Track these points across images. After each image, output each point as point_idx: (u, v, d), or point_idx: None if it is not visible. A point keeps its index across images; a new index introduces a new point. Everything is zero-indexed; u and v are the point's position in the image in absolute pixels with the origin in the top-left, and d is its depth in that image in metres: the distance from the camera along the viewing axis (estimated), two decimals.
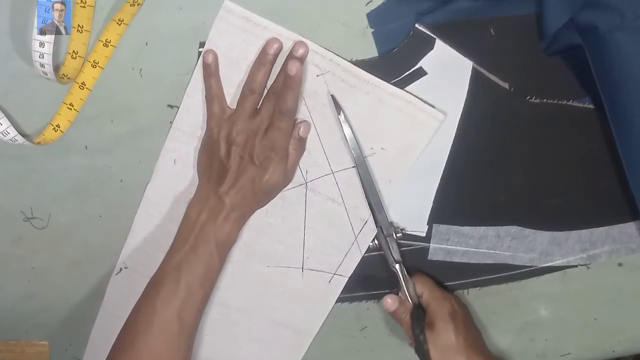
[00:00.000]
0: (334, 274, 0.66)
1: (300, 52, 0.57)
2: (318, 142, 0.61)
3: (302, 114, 0.60)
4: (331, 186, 0.63)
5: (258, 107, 0.58)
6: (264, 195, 0.60)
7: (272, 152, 0.57)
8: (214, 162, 0.59)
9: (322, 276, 0.66)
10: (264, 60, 0.57)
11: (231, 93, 0.59)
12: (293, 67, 0.55)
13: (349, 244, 0.64)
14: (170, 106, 0.61)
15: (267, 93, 0.58)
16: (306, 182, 0.62)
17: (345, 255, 0.65)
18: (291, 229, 0.64)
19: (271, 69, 0.58)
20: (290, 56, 0.57)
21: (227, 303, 0.67)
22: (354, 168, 0.61)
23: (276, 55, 0.57)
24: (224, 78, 0.59)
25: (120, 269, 0.66)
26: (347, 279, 0.66)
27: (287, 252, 0.65)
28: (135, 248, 0.65)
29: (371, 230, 0.64)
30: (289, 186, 0.62)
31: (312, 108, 0.60)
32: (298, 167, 0.62)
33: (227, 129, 0.58)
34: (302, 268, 0.65)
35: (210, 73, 0.58)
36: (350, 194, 0.63)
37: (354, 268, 0.65)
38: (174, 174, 0.63)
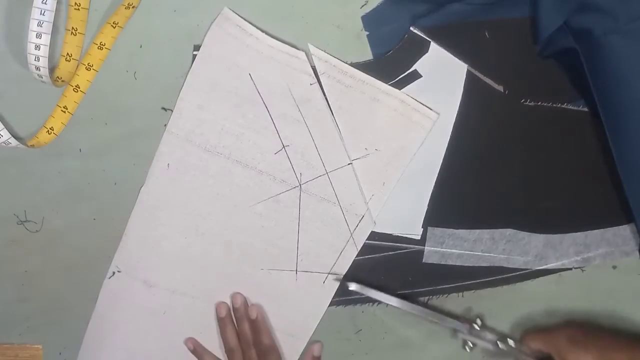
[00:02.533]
0: (329, 273, 0.65)
1: (237, 301, 0.64)
2: (312, 144, 0.61)
3: (297, 120, 0.60)
4: (325, 186, 0.62)
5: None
6: None
7: None
8: None
9: (316, 277, 0.65)
10: (223, 323, 0.65)
11: (221, 97, 0.59)
12: (253, 312, 0.64)
13: (343, 241, 0.64)
14: (165, 109, 0.60)
15: (241, 346, 0.64)
16: (300, 185, 0.62)
17: (340, 254, 0.65)
18: (285, 232, 0.64)
19: (234, 323, 0.65)
20: (237, 309, 0.65)
21: None
22: (349, 165, 0.61)
23: (229, 312, 0.65)
24: (214, 84, 0.59)
25: (114, 273, 0.66)
26: (341, 277, 0.66)
27: (281, 255, 0.65)
28: (129, 251, 0.65)
29: (367, 224, 0.63)
30: (283, 189, 0.62)
31: (306, 114, 0.60)
32: (292, 170, 0.62)
33: None
34: (296, 270, 0.65)
35: (201, 354, 0.66)
36: (345, 191, 0.62)
37: (349, 266, 0.65)
38: (168, 177, 0.62)
